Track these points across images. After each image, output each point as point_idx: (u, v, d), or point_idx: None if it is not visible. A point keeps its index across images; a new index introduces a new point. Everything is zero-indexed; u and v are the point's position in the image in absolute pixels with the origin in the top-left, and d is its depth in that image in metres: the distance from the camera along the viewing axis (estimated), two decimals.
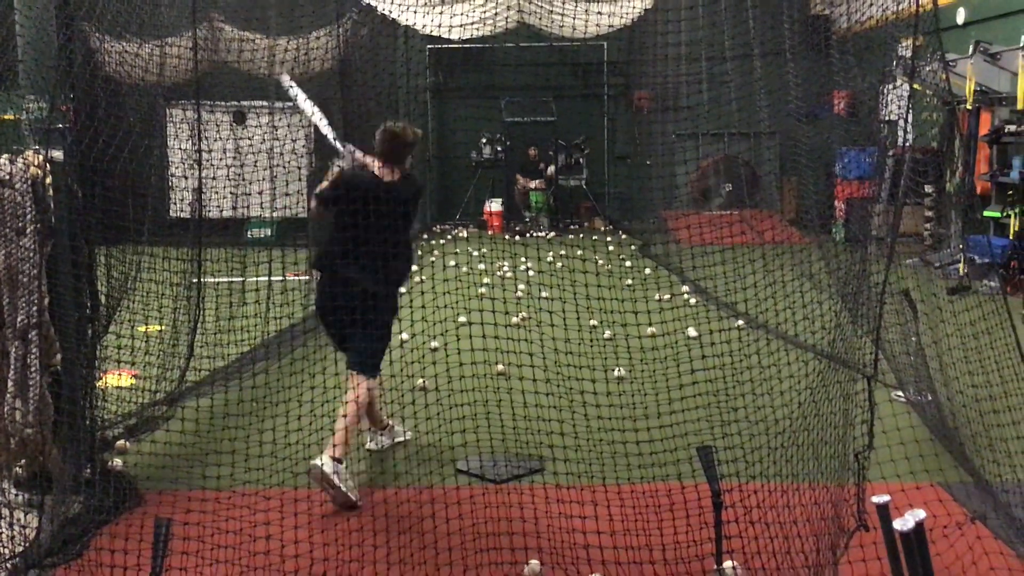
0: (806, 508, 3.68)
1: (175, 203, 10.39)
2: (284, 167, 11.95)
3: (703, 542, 3.77)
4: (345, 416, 4.85)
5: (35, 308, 4.43)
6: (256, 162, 11.49)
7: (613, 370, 6.76)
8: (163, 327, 6.87)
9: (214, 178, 9.57)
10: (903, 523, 2.96)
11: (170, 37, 9.90)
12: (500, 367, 6.68)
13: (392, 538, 4.23)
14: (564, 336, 7.66)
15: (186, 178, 9.99)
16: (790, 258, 9.51)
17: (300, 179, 11.24)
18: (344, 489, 4.63)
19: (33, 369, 4.44)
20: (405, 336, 7.95)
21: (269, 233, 14.66)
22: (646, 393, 5.96)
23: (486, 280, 11.10)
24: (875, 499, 3.18)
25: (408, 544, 4.14)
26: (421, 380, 6.59)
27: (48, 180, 4.49)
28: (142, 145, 11.54)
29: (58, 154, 4.58)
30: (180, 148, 12.70)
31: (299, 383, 6.04)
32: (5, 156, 4.49)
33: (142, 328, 6.88)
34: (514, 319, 8.76)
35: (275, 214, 14.31)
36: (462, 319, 8.56)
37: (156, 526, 3.11)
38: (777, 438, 4.55)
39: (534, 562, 3.87)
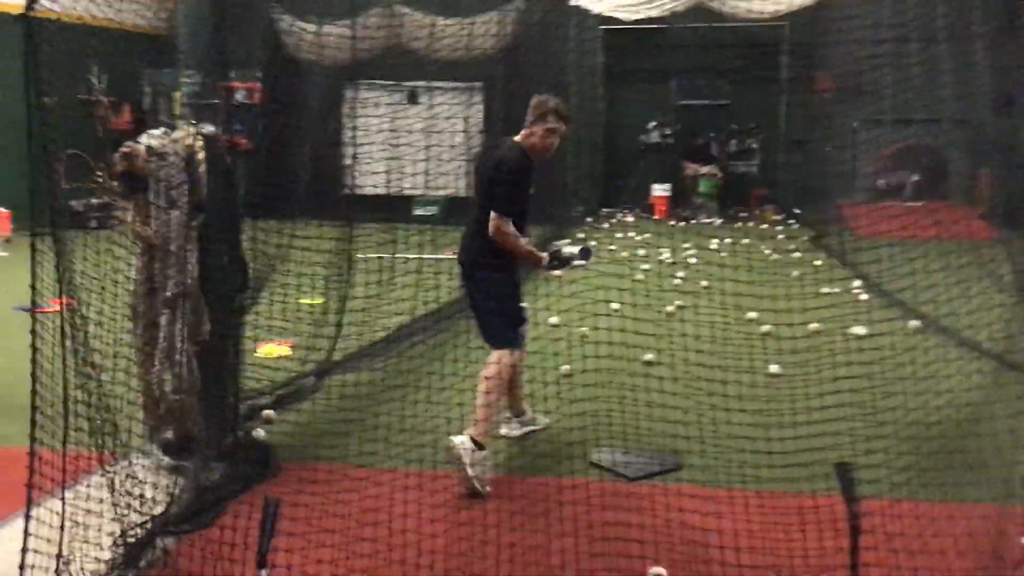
0: (962, 533, 3.32)
1: (352, 179, 10.65)
2: (452, 146, 12.07)
3: (838, 568, 3.45)
4: (483, 392, 4.80)
5: (185, 279, 4.55)
6: (425, 141, 11.66)
7: (768, 367, 6.41)
8: (323, 300, 7.01)
9: (374, 158, 9.74)
10: None
11: (348, 19, 10.13)
12: (566, 367, 6.44)
13: (512, 530, 4.12)
14: (720, 328, 7.35)
15: (355, 156, 10.23)
16: (978, 256, 8.81)
17: (468, 159, 11.32)
18: (473, 477, 4.55)
19: (180, 339, 4.57)
20: (554, 320, 7.85)
21: (435, 211, 14.88)
22: (800, 393, 5.62)
23: (645, 266, 10.84)
24: None
25: (529, 537, 4.01)
26: (567, 367, 6.45)
27: (201, 155, 4.60)
28: (322, 123, 11.91)
29: (211, 129, 4.67)
30: (355, 127, 13.02)
31: (444, 362, 6.04)
32: (162, 129, 4.63)
33: (304, 300, 7.06)
34: (668, 308, 8.50)
35: (441, 192, 14.56)
36: (615, 306, 8.39)
37: (265, 506, 3.11)
38: (933, 451, 4.17)
39: (659, 569, 3.67)
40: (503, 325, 4.98)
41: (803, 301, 7.89)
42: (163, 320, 4.57)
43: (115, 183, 4.56)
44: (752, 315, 7.89)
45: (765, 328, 7.49)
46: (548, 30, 13.80)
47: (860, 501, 3.00)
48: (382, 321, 7.38)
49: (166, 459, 4.69)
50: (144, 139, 4.58)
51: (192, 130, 4.65)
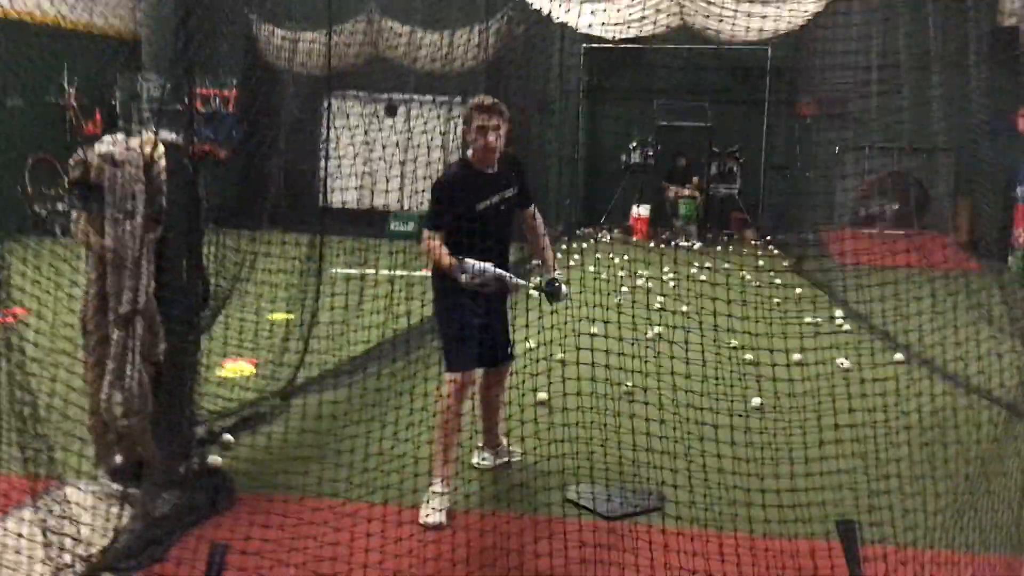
0: None
1: (326, 191, 10.36)
2: (430, 161, 11.83)
3: None
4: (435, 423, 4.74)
5: (140, 295, 4.27)
6: (402, 155, 11.41)
7: (751, 399, 6.18)
8: (292, 316, 6.72)
9: (350, 170, 9.48)
10: None
11: (330, 27, 9.89)
12: (543, 395, 6.20)
13: (481, 567, 3.86)
14: (703, 356, 7.12)
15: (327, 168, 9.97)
16: (962, 286, 8.65)
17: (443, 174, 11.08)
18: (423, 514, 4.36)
19: (133, 358, 4.29)
20: (531, 344, 7.58)
21: (411, 228, 14.61)
22: (785, 429, 5.40)
23: (624, 288, 10.61)
24: None
25: None
26: (543, 394, 6.20)
27: (161, 164, 4.33)
28: (297, 133, 11.63)
29: (172, 136, 4.41)
30: (331, 138, 12.73)
31: (416, 385, 5.77)
32: (120, 135, 4.36)
33: (273, 315, 6.77)
34: (648, 333, 8.27)
35: (417, 208, 14.31)
36: (594, 329, 8.14)
37: (211, 553, 2.83)
38: (939, 497, 3.95)
39: None
40: (447, 346, 4.81)
41: (785, 328, 7.70)
42: (115, 337, 4.28)
43: (69, 191, 4.27)
44: (735, 343, 7.67)
45: (749, 356, 7.27)
46: (531, 46, 13.62)
47: (862, 563, 2.77)
48: (355, 338, 7.10)
49: (114, 486, 4.39)
50: (100, 146, 4.30)
51: (152, 137, 4.38)
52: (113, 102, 16.27)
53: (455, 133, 13.69)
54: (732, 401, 5.90)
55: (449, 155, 12.83)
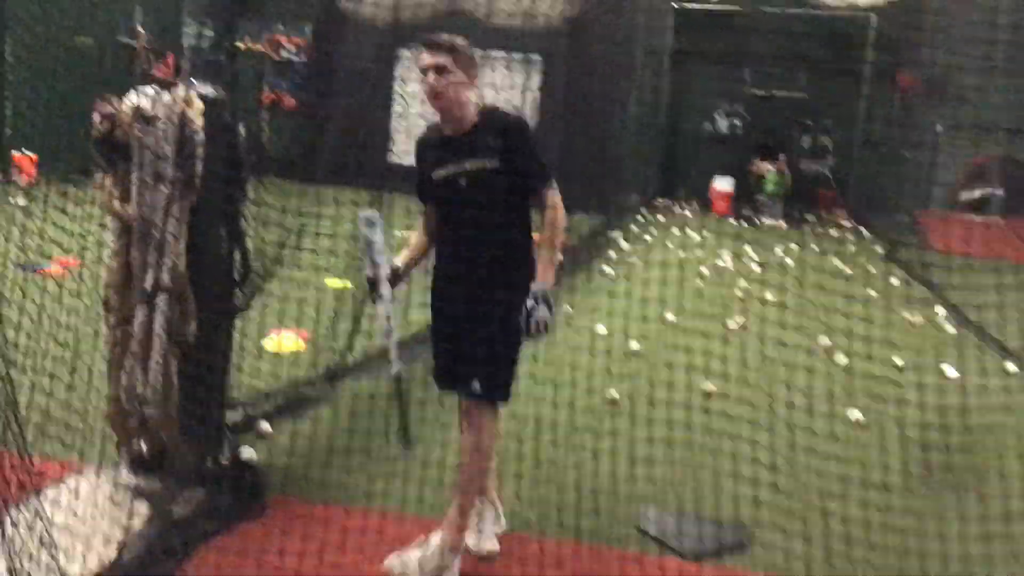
0: None
1: (394, 146, 9.83)
2: None
3: None
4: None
5: (168, 269, 3.78)
6: None
7: (848, 411, 5.52)
8: (349, 284, 6.19)
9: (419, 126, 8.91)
10: None
11: None
12: (613, 393, 5.60)
13: None
14: (788, 356, 6.47)
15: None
16: None
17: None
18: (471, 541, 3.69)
19: (159, 338, 3.81)
20: (601, 329, 7.01)
21: None
22: (889, 449, 4.76)
23: (703, 270, 9.94)
24: None
25: None
26: (614, 391, 5.63)
27: (198, 122, 3.80)
28: (367, 85, 11.10)
29: (211, 91, 3.88)
30: (403, 92, 12.19)
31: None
32: (153, 87, 3.84)
33: (330, 281, 6.26)
34: (730, 323, 7.62)
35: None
36: (670, 316, 7.50)
37: None
38: None
39: None
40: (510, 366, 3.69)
41: (884, 329, 7.00)
42: (138, 316, 3.80)
43: (93, 148, 3.78)
44: (825, 341, 6.98)
45: (843, 360, 6.58)
46: (617, 3, 12.87)
47: None
48: (416, 314, 6.58)
49: (130, 478, 3.95)
50: (131, 98, 3.79)
51: (189, 92, 3.86)
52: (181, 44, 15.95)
53: (532, 91, 13.11)
54: (828, 414, 5.25)
55: (524, 115, 12.22)
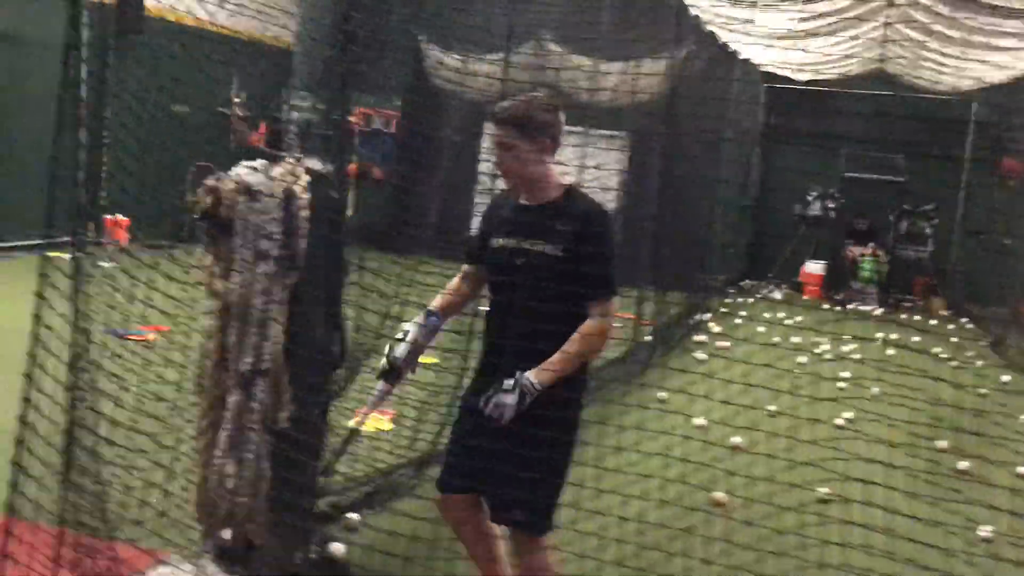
0: None
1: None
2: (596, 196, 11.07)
3: None
4: None
5: (266, 351, 3.60)
6: None
7: (978, 529, 5.06)
8: (438, 359, 5.95)
9: None
10: None
11: (496, 53, 9.27)
12: (720, 496, 5.19)
13: None
14: (903, 459, 6.02)
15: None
16: None
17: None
18: None
19: (253, 425, 3.61)
20: (700, 422, 6.65)
21: None
22: None
23: (801, 359, 9.50)
24: None
25: None
26: (722, 494, 5.26)
27: (303, 198, 3.65)
28: (457, 158, 11.06)
29: (318, 165, 3.73)
30: (492, 165, 12.04)
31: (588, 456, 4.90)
32: (260, 161, 3.70)
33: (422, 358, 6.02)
34: (837, 420, 7.20)
35: None
36: (771, 407, 7.11)
37: None
38: None
39: None
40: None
41: (1002, 430, 6.50)
42: (233, 400, 3.61)
43: (196, 224, 3.64)
44: (942, 444, 6.51)
45: (962, 464, 6.11)
46: (708, 82, 12.70)
47: None
48: None
49: (215, 570, 3.72)
50: (238, 172, 3.66)
51: (296, 165, 3.71)
52: (277, 115, 16.25)
53: (625, 167, 12.96)
54: (960, 528, 4.81)
55: (614, 192, 12.04)
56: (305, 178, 3.68)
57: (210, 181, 3.60)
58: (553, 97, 3.43)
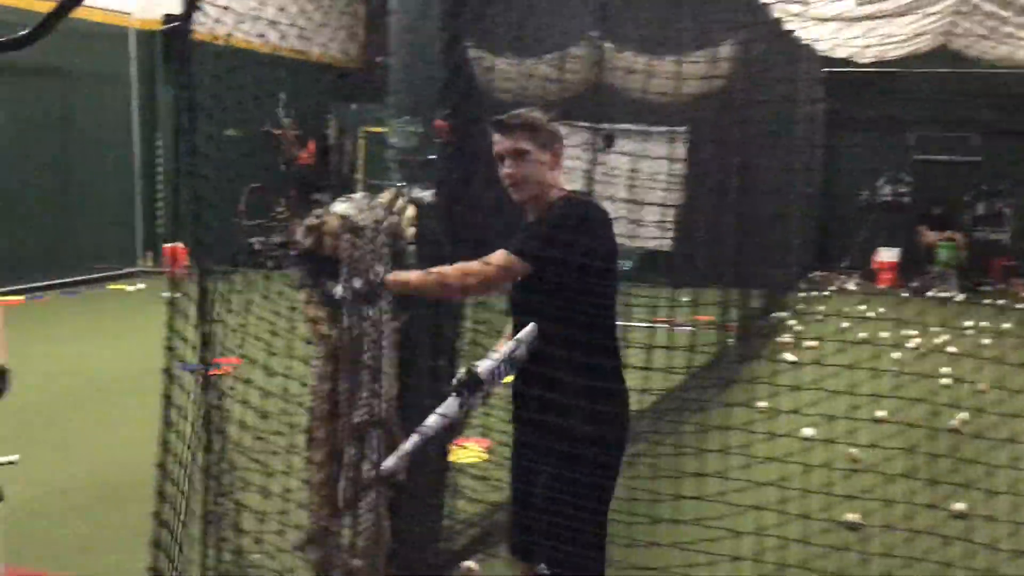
0: None
1: None
2: (649, 194, 10.76)
3: None
4: None
5: (380, 400, 3.31)
6: (620, 189, 10.35)
7: None
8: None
9: None
10: None
11: (549, 54, 8.97)
12: (853, 517, 4.77)
13: None
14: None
15: None
16: None
17: (666, 210, 10.02)
18: None
19: (370, 479, 3.33)
20: (809, 431, 6.27)
21: (628, 265, 13.50)
22: None
23: (895, 355, 9.06)
24: None
25: None
26: (855, 516, 4.90)
27: (410, 231, 3.36)
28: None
29: (426, 195, 3.44)
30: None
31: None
32: (361, 193, 3.42)
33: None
34: (953, 421, 6.78)
35: (637, 245, 13.21)
36: (880, 413, 6.74)
37: None
38: None
39: None
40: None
41: None
42: (348, 453, 3.34)
43: (294, 263, 3.36)
44: None
45: None
46: (768, 70, 12.27)
47: None
48: None
49: None
50: (339, 206, 3.38)
51: (398, 195, 3.43)
52: (326, 131, 16.08)
53: (679, 164, 12.58)
54: None
55: (670, 189, 11.68)
56: (411, 210, 3.40)
57: (311, 218, 3.33)
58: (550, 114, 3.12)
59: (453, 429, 3.10)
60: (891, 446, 5.22)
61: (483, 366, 2.92)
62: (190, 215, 2.98)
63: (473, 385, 2.90)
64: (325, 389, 3.41)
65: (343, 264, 3.31)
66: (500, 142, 2.98)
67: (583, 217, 2.96)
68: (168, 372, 2.92)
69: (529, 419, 2.93)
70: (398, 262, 3.33)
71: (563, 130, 3.09)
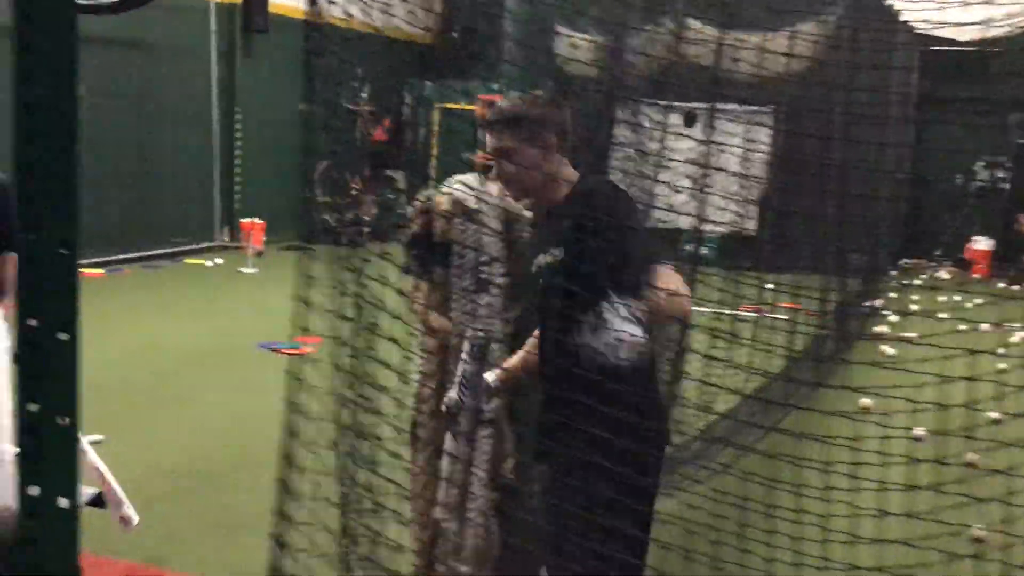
0: None
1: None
2: (731, 176, 10.39)
3: None
4: None
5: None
6: (700, 169, 10.00)
7: None
8: None
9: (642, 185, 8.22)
10: None
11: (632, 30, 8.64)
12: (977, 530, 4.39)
13: None
14: None
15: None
16: None
17: (751, 192, 9.64)
18: None
19: (478, 480, 3.11)
20: (919, 432, 5.90)
21: (708, 250, 13.11)
22: None
23: (1001, 349, 8.59)
24: None
25: None
26: (977, 529, 4.56)
27: (526, 215, 3.12)
28: (588, 144, 10.47)
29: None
30: (624, 149, 11.46)
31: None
32: (474, 175, 3.18)
33: None
34: None
35: (717, 228, 12.82)
36: (994, 415, 6.33)
37: None
38: None
39: None
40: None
41: None
42: (456, 453, 3.11)
43: (406, 250, 3.14)
44: None
45: None
46: (860, 48, 11.76)
47: None
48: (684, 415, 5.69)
49: None
50: (450, 187, 3.15)
51: None
52: (403, 107, 15.92)
53: (763, 145, 12.14)
54: None
55: (753, 171, 11.26)
56: None
57: (419, 202, 3.10)
58: (552, 93, 2.80)
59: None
60: (1009, 452, 4.88)
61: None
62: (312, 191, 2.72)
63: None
64: (432, 385, 3.20)
65: (454, 250, 3.08)
66: (491, 140, 2.70)
67: (615, 192, 2.71)
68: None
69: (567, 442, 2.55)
70: (515, 248, 3.09)
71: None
